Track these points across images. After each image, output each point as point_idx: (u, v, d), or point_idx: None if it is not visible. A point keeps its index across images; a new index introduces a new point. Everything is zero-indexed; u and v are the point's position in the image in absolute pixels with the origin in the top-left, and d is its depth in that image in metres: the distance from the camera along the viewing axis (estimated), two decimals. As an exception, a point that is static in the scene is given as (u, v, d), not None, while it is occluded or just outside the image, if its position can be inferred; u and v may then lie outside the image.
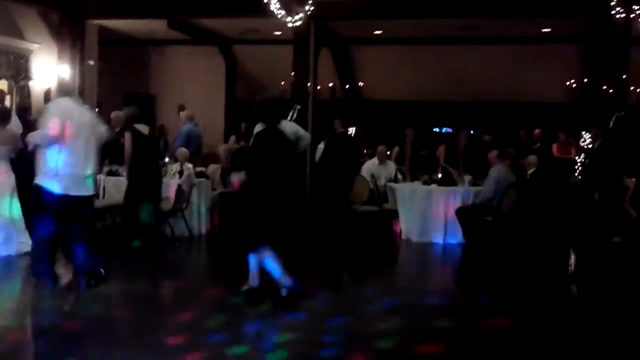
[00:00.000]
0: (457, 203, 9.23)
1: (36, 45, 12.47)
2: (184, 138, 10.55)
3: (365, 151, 13.46)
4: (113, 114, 10.53)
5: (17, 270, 7.03)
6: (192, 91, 16.25)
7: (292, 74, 12.15)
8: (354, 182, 10.14)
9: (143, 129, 8.14)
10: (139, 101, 9.75)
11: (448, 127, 17.67)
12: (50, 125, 5.82)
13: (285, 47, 12.51)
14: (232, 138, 13.52)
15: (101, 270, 6.15)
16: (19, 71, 12.00)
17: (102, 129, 6.33)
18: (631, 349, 5.02)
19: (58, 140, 5.78)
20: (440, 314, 5.75)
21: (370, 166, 10.70)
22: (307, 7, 11.56)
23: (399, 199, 9.57)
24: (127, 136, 8.03)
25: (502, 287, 6.94)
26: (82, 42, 13.00)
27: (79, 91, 12.85)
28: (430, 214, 9.32)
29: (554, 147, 12.98)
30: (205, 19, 13.88)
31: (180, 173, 9.10)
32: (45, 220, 6.02)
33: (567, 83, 15.45)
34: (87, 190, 6.04)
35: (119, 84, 15.68)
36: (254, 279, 5.84)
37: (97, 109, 12.44)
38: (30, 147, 6.26)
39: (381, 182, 10.33)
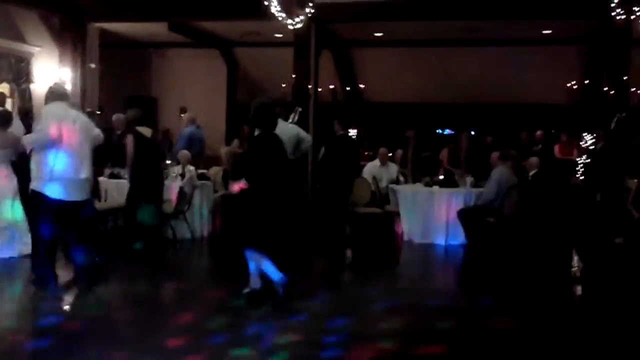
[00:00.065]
0: (459, 205, 9.23)
1: (37, 49, 12.49)
2: (186, 140, 10.55)
3: (367, 153, 13.46)
4: (114, 117, 10.54)
5: (19, 271, 7.04)
6: (194, 94, 16.27)
7: (293, 76, 12.17)
8: (354, 184, 10.13)
9: (145, 131, 8.14)
10: (141, 104, 9.77)
11: (449, 129, 17.68)
12: (48, 128, 5.85)
13: (286, 50, 12.53)
14: (236, 142, 13.52)
15: (101, 269, 6.14)
16: (21, 74, 12.03)
17: (96, 132, 6.34)
18: (634, 350, 5.01)
19: (55, 143, 5.80)
20: (442, 315, 5.75)
21: (371, 168, 10.70)
22: (307, 10, 11.57)
23: (400, 201, 9.57)
24: (130, 139, 8.03)
25: (504, 289, 6.93)
26: (83, 45, 13.03)
27: (81, 94, 12.92)
28: (432, 216, 9.32)
29: (556, 148, 12.98)
30: (206, 21, 13.90)
31: (182, 175, 9.11)
32: (43, 224, 6.04)
33: (568, 85, 15.46)
34: (82, 194, 6.07)
35: (120, 86, 15.71)
36: (255, 282, 5.85)
37: (98, 112, 12.46)
38: (27, 150, 6.28)
39: (383, 183, 10.33)
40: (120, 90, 15.75)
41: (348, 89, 16.92)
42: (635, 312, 6.06)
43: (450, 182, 9.80)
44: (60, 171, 5.85)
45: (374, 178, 10.31)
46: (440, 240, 9.23)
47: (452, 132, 17.30)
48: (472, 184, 9.65)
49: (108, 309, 5.77)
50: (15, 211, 7.32)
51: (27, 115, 10.77)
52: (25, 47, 12.33)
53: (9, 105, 11.02)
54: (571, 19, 12.28)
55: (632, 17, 10.46)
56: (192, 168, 9.31)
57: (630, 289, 7.03)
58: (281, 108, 9.10)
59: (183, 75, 16.78)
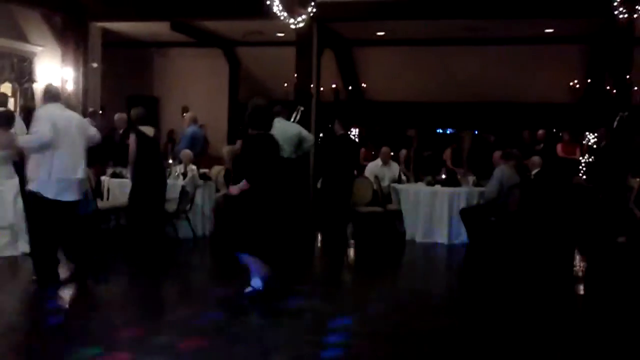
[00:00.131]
0: (461, 204, 9.22)
1: (40, 48, 12.51)
2: (188, 140, 10.55)
3: (373, 153, 13.44)
4: (116, 116, 10.56)
5: (22, 270, 7.05)
6: (196, 93, 16.29)
7: (295, 75, 12.17)
8: (356, 184, 10.13)
9: (148, 130, 8.15)
10: (143, 103, 9.78)
11: (451, 128, 17.67)
12: (42, 130, 5.88)
13: (288, 49, 12.53)
14: (239, 142, 13.52)
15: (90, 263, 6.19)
16: (23, 74, 12.04)
17: (92, 132, 6.36)
18: (636, 349, 5.00)
19: (50, 145, 5.84)
20: (444, 315, 5.74)
21: (373, 167, 10.70)
22: (309, 9, 11.57)
23: (402, 200, 9.57)
24: (132, 138, 8.04)
25: (507, 288, 6.93)
26: (86, 44, 13.05)
27: (83, 93, 12.94)
28: (434, 215, 9.31)
29: (559, 147, 12.97)
30: (208, 21, 13.90)
31: (184, 175, 9.11)
32: (41, 225, 6.07)
33: (571, 83, 15.43)
34: (78, 194, 6.10)
35: (122, 86, 15.72)
36: (256, 281, 5.86)
37: (100, 111, 12.48)
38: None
39: (385, 183, 10.32)
40: (123, 90, 15.76)
41: (350, 88, 16.91)
42: (637, 311, 6.06)
43: (452, 181, 9.80)
44: (56, 172, 5.89)
45: (376, 177, 10.30)
46: (442, 239, 9.22)
47: (454, 131, 17.29)
48: (474, 183, 9.64)
49: (109, 308, 5.77)
50: (17, 211, 7.33)
51: (30, 115, 10.79)
52: (28, 47, 12.34)
53: (11, 104, 11.04)
54: (573, 18, 12.26)
55: (635, 15, 10.44)
56: (194, 167, 9.31)
57: (632, 288, 7.02)
58: (283, 107, 9.14)
59: (185, 74, 16.79)
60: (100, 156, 10.07)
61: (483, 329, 5.41)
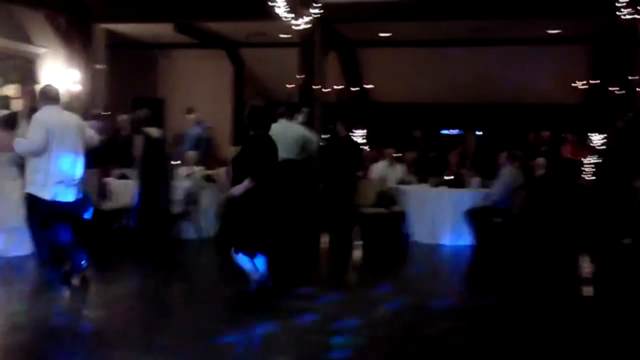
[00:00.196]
0: (466, 205, 9.21)
1: (44, 50, 12.52)
2: (193, 141, 10.55)
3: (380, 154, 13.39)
4: (120, 118, 10.56)
5: (29, 270, 7.06)
6: (200, 94, 16.27)
7: (299, 77, 12.16)
8: (361, 184, 10.12)
9: (153, 132, 8.15)
10: (148, 105, 9.77)
11: (456, 129, 17.64)
12: (36, 135, 5.92)
13: (293, 50, 12.53)
14: None
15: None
16: (27, 75, 12.05)
17: (90, 133, 6.38)
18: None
19: (43, 149, 5.87)
20: (449, 316, 5.73)
21: (379, 168, 10.68)
22: (313, 10, 11.56)
23: (407, 201, 9.55)
24: (138, 139, 8.04)
25: (512, 289, 6.91)
26: (90, 46, 13.06)
27: (87, 95, 12.95)
28: (439, 216, 9.30)
29: (567, 148, 12.92)
30: (212, 22, 13.90)
31: (189, 176, 9.11)
32: (41, 227, 6.10)
33: (575, 85, 15.39)
34: (76, 195, 6.13)
35: (126, 87, 15.72)
36: (257, 281, 5.89)
37: (105, 113, 12.48)
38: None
39: (390, 184, 10.31)
40: (127, 91, 15.76)
41: (354, 89, 16.90)
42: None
43: (457, 183, 9.78)
44: (53, 174, 5.93)
45: (381, 178, 10.29)
46: (447, 241, 9.21)
47: (459, 133, 17.25)
48: (479, 185, 9.63)
49: (116, 309, 5.77)
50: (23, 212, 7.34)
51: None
52: (32, 48, 12.35)
53: (16, 106, 11.05)
54: (578, 19, 12.23)
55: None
56: (198, 169, 9.31)
57: (638, 290, 6.99)
58: (287, 109, 9.13)
59: (189, 76, 16.79)
60: (105, 158, 10.07)
61: (489, 331, 5.40)
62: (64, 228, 6.17)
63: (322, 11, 11.63)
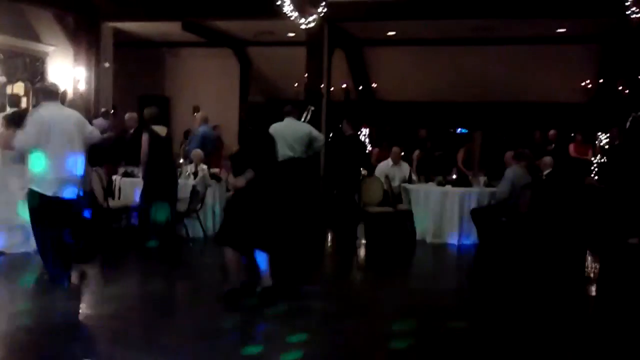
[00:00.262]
0: (472, 204, 9.20)
1: (52, 48, 12.59)
2: (199, 140, 10.58)
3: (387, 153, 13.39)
4: (127, 116, 10.60)
5: (33, 267, 7.09)
6: (207, 93, 16.33)
7: (306, 75, 12.18)
8: (366, 183, 10.13)
9: (161, 130, 8.18)
10: (154, 103, 9.81)
11: (462, 128, 17.62)
12: (31, 133, 6.01)
13: (299, 49, 12.55)
14: None
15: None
16: (35, 74, 12.12)
17: (89, 130, 6.41)
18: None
19: (37, 145, 5.92)
20: (454, 315, 5.73)
21: (384, 167, 10.69)
22: (320, 9, 11.58)
23: (413, 200, 9.55)
24: (145, 137, 8.07)
25: (518, 289, 6.90)
26: (98, 44, 13.12)
27: (95, 93, 13.01)
28: (444, 215, 9.29)
29: (571, 147, 12.90)
30: (219, 21, 13.94)
31: (195, 174, 9.14)
32: (43, 223, 6.14)
33: (583, 83, 15.36)
34: (76, 191, 6.16)
35: (134, 86, 15.78)
36: (266, 279, 5.89)
37: (112, 111, 12.54)
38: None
39: (395, 183, 10.31)
40: (134, 90, 15.83)
41: (361, 88, 16.91)
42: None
43: (463, 182, 9.77)
44: (53, 170, 5.96)
45: (387, 177, 10.30)
46: (453, 240, 9.20)
47: (465, 131, 17.23)
48: (485, 184, 9.61)
49: (121, 307, 5.79)
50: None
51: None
52: (40, 47, 12.42)
53: (24, 104, 11.13)
54: (585, 18, 12.19)
55: (647, 15, 10.38)
56: (204, 167, 9.33)
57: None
58: (293, 107, 9.15)
59: (196, 74, 16.84)
60: (112, 156, 10.12)
61: (494, 329, 5.40)
62: (65, 224, 6.22)
63: (328, 10, 11.64)
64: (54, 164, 6.00)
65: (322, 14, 11.62)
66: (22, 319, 5.35)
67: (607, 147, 11.51)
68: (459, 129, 17.74)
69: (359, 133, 12.47)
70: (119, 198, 9.20)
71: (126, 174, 9.40)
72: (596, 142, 12.45)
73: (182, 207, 8.65)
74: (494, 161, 11.24)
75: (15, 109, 8.56)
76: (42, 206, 6.05)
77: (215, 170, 9.79)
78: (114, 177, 9.41)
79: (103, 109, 12.43)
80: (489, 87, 15.33)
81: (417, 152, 13.20)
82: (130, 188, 9.10)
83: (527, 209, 8.78)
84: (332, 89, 13.57)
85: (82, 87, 12.86)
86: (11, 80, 11.78)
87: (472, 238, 9.15)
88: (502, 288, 6.98)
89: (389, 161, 10.76)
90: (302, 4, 11.44)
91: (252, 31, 14.76)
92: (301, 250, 8.33)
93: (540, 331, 5.31)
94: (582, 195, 10.04)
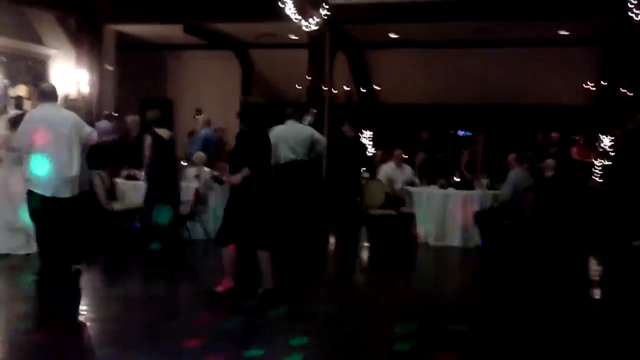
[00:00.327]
0: (474, 206, 9.19)
1: (54, 51, 12.59)
2: (202, 142, 10.58)
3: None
4: (129, 118, 10.60)
5: (36, 269, 7.09)
6: (209, 95, 16.32)
7: (308, 77, 12.17)
8: (368, 186, 10.12)
9: (164, 133, 8.19)
10: (157, 106, 9.81)
11: (465, 130, 17.61)
12: (23, 134, 6.09)
13: (301, 51, 12.54)
14: None
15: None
16: (38, 76, 12.12)
17: (87, 131, 6.43)
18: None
19: (32, 147, 5.93)
20: (457, 318, 5.72)
21: (387, 170, 10.68)
22: (322, 11, 11.58)
23: (416, 203, 9.55)
24: (148, 140, 8.08)
25: (521, 292, 6.89)
26: (100, 47, 13.13)
27: (97, 96, 13.01)
28: (447, 218, 9.29)
29: (574, 150, 12.87)
30: (221, 23, 13.93)
31: (198, 177, 9.14)
32: (43, 224, 6.16)
33: (585, 86, 15.33)
34: (71, 191, 6.19)
35: (136, 88, 15.78)
36: (267, 281, 5.91)
37: (114, 114, 12.54)
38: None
39: (398, 185, 10.31)
40: (136, 92, 15.82)
41: (363, 90, 16.89)
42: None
43: (465, 184, 9.76)
44: (47, 171, 5.99)
45: (389, 180, 10.29)
46: (455, 242, 9.20)
47: (468, 134, 17.21)
48: (487, 186, 9.61)
49: (124, 309, 5.79)
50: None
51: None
52: (43, 49, 12.43)
53: (26, 107, 11.12)
54: (587, 20, 12.17)
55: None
56: (207, 169, 9.34)
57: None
58: (295, 110, 9.15)
59: (198, 77, 16.84)
60: (115, 158, 10.12)
61: (497, 332, 5.39)
62: (65, 224, 6.24)
63: (330, 12, 11.64)
64: (51, 165, 6.03)
65: (324, 16, 11.61)
66: (23, 320, 5.35)
67: (610, 149, 11.49)
68: (462, 132, 17.73)
69: (360, 135, 12.44)
70: (122, 201, 9.20)
71: (129, 177, 9.40)
72: (598, 144, 12.41)
73: (184, 209, 8.65)
74: (496, 164, 11.23)
75: (19, 112, 8.58)
76: (41, 207, 6.08)
77: (217, 172, 9.78)
78: (116, 180, 9.42)
79: (106, 112, 12.44)
80: (491, 90, 15.30)
81: (421, 155, 13.18)
82: (132, 191, 9.10)
83: (529, 211, 8.77)
84: (334, 91, 13.56)
85: (84, 89, 12.86)
86: (14, 83, 11.79)
87: (475, 241, 9.14)
88: (505, 291, 6.97)
89: (392, 164, 10.75)
90: (304, 6, 11.44)
91: (254, 33, 14.76)
92: (303, 253, 8.33)
93: (543, 334, 5.30)
94: (585, 198, 10.03)
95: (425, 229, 9.37)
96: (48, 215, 6.11)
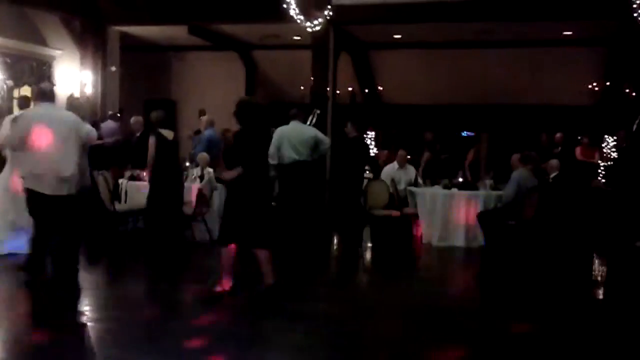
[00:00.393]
0: (478, 207, 9.18)
1: (59, 52, 12.63)
2: (205, 143, 10.59)
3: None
4: (133, 119, 10.63)
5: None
6: (213, 96, 16.34)
7: (312, 78, 12.18)
8: (371, 187, 10.12)
9: (167, 134, 8.20)
10: (160, 107, 9.83)
11: (469, 131, 17.60)
12: (15, 132, 6.10)
13: (305, 52, 12.55)
14: None
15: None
16: (42, 77, 12.16)
17: (85, 131, 6.44)
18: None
19: (24, 146, 5.97)
20: (460, 318, 5.72)
21: (390, 170, 10.68)
22: (326, 12, 11.59)
23: (419, 203, 9.54)
24: (152, 140, 8.09)
25: (524, 292, 6.88)
26: (104, 48, 13.17)
27: (101, 97, 13.05)
28: (451, 218, 9.28)
29: (578, 150, 12.86)
30: (225, 24, 13.96)
31: (201, 177, 9.15)
32: (43, 222, 6.18)
33: (589, 86, 15.32)
34: (68, 189, 6.20)
35: (140, 89, 15.83)
36: (267, 280, 5.94)
37: (118, 114, 12.58)
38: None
39: (401, 186, 10.30)
40: (140, 93, 15.87)
41: (366, 91, 16.91)
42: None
43: (469, 185, 9.75)
44: (44, 169, 6.01)
45: (393, 180, 10.29)
46: (459, 243, 9.19)
47: (472, 134, 17.21)
48: (491, 187, 9.60)
49: (127, 310, 5.80)
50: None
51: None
52: (47, 51, 12.47)
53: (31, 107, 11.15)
54: (591, 20, 12.15)
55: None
56: (210, 170, 9.35)
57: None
58: (299, 110, 9.16)
59: (202, 78, 16.87)
60: (118, 159, 10.14)
61: (500, 333, 5.38)
62: (64, 223, 6.25)
63: (334, 13, 11.65)
64: (43, 164, 6.04)
65: (328, 17, 11.63)
66: (24, 319, 5.36)
67: (613, 149, 11.46)
68: (465, 132, 17.72)
69: (363, 135, 12.44)
70: (125, 201, 9.22)
71: (132, 178, 9.42)
72: (603, 145, 12.40)
73: (188, 210, 8.66)
74: (500, 164, 11.22)
75: (22, 112, 8.60)
76: (37, 204, 6.10)
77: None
78: (120, 180, 9.44)
79: (110, 112, 12.48)
80: (495, 90, 15.30)
81: (426, 155, 13.17)
82: (136, 191, 9.12)
83: (533, 212, 8.75)
84: (337, 92, 13.57)
85: (88, 90, 12.90)
86: (18, 84, 11.83)
87: (478, 241, 9.13)
88: (508, 291, 6.95)
89: (395, 164, 10.75)
90: (308, 7, 11.46)
91: (258, 34, 14.78)
92: (306, 253, 8.33)
93: (547, 334, 5.29)
94: (589, 198, 10.00)
95: (428, 229, 9.36)
96: (47, 213, 6.12)
